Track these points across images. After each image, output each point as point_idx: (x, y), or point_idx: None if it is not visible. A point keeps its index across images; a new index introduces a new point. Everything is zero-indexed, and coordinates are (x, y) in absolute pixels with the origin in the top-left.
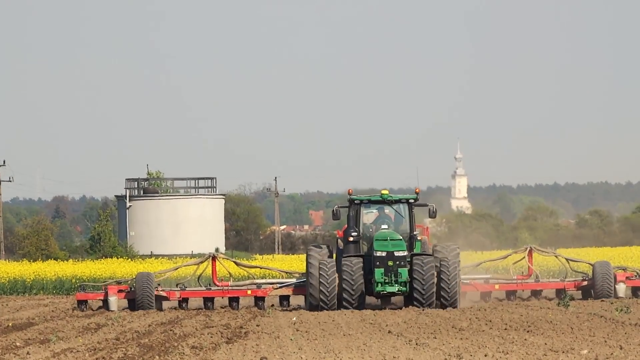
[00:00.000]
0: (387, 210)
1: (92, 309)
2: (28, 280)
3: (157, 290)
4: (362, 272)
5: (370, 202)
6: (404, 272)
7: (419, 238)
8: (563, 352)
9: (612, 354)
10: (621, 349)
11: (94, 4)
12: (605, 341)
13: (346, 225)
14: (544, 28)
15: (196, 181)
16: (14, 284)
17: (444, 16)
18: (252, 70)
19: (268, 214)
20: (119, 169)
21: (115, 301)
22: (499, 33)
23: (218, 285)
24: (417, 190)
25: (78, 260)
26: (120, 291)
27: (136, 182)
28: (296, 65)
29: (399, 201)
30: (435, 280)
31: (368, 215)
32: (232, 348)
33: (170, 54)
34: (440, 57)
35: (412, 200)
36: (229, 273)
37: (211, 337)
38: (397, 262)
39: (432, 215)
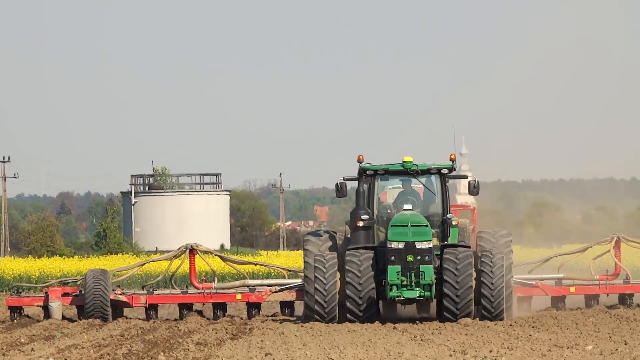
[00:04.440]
0: (412, 184)
1: (30, 318)
2: (33, 276)
3: (114, 293)
4: (372, 271)
5: (388, 173)
6: (428, 270)
7: (454, 222)
8: (568, 347)
9: (617, 349)
10: (626, 344)
11: None
12: (610, 337)
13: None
14: (549, 22)
15: (201, 177)
16: (19, 280)
17: (443, 17)
18: (257, 66)
19: (273, 210)
20: (125, 165)
21: (59, 308)
22: (501, 27)
23: (198, 288)
24: (452, 156)
25: (83, 257)
26: (65, 294)
27: (141, 178)
28: (302, 61)
29: (427, 172)
30: (473, 281)
31: (385, 191)
32: (237, 344)
33: (175, 51)
34: (444, 51)
35: (445, 171)
36: (213, 271)
37: (216, 333)
38: (420, 257)
39: (474, 190)
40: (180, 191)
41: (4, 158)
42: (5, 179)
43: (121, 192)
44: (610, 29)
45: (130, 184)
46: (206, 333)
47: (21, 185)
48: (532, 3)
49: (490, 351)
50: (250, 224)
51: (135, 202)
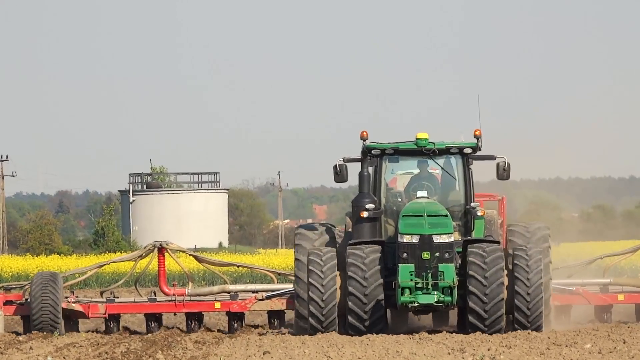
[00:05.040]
0: (428, 167)
1: None
2: (31, 275)
3: (67, 301)
4: (379, 270)
5: (399, 154)
6: (448, 270)
7: (479, 213)
8: (566, 346)
9: (615, 348)
10: (624, 343)
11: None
12: (609, 335)
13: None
14: (551, 23)
15: (199, 176)
16: (17, 278)
17: (440, 18)
18: (255, 64)
19: (271, 209)
20: (123, 163)
21: (1, 319)
22: (503, 30)
23: (168, 294)
24: (477, 132)
25: (81, 255)
26: (8, 303)
27: (139, 177)
28: (300, 59)
29: (447, 151)
30: (504, 285)
31: (395, 177)
32: (235, 342)
33: (174, 49)
34: (445, 53)
35: (469, 150)
36: (186, 274)
37: (213, 331)
38: (438, 254)
39: (503, 174)
40: (179, 190)
41: (1, 156)
42: (3, 178)
43: (119, 191)
44: (609, 29)
45: (129, 183)
46: (204, 331)
47: (19, 184)
48: (531, 3)
49: (489, 349)
50: (248, 223)
51: (134, 200)
